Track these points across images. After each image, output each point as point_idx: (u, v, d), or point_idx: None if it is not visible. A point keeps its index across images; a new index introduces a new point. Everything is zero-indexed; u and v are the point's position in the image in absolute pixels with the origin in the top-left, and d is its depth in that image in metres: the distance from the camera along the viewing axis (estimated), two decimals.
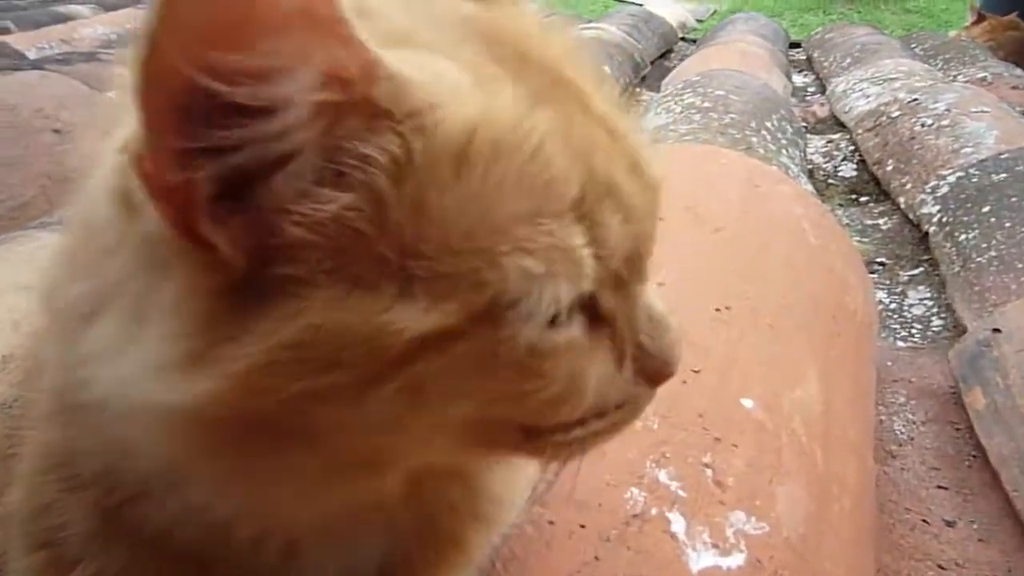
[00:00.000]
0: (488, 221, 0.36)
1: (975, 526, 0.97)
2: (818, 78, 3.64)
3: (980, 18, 3.95)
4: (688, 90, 2.30)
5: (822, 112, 3.15)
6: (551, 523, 0.57)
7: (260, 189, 0.34)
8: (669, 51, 4.23)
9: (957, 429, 1.13)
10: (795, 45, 4.47)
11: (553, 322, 0.38)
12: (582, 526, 0.57)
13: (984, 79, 2.99)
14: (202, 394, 0.35)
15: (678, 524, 0.60)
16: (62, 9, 3.75)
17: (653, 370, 0.45)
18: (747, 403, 0.75)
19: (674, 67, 3.50)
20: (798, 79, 3.77)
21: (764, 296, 0.93)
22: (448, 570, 0.52)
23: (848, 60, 3.36)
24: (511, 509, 0.54)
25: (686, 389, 0.73)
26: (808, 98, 3.49)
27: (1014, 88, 2.88)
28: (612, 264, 0.40)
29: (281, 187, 0.34)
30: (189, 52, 0.30)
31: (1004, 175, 1.58)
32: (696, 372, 0.76)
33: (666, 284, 0.88)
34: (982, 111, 2.04)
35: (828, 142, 2.70)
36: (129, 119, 0.33)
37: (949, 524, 0.98)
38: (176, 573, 0.48)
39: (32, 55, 2.80)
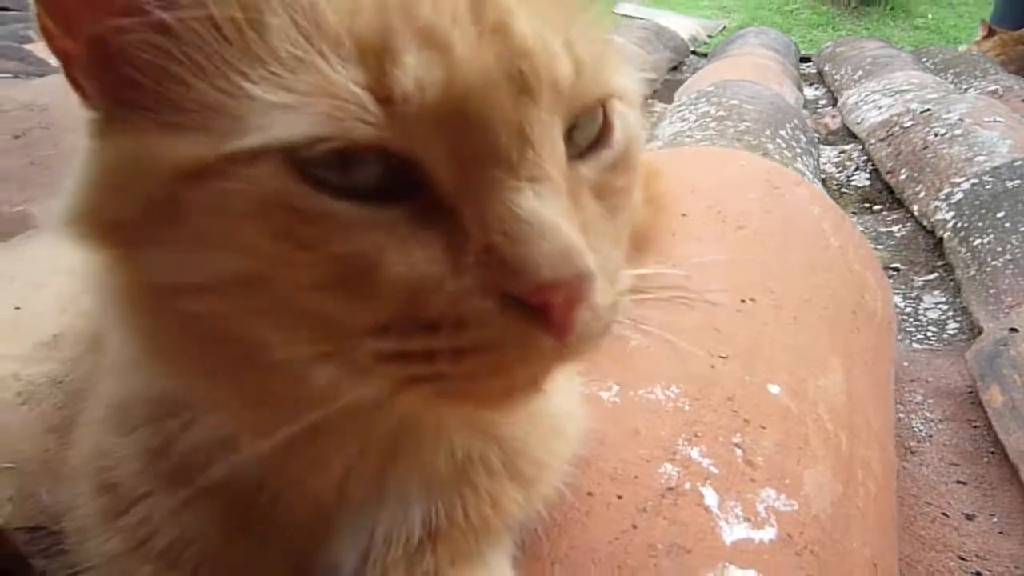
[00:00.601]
0: (252, 59, 0.35)
1: (995, 519, 0.98)
2: (829, 91, 3.67)
3: (991, 32, 3.97)
4: (702, 100, 2.33)
5: (834, 124, 3.17)
6: (590, 494, 0.59)
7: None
8: (680, 64, 4.27)
9: (975, 427, 1.15)
10: (806, 59, 4.51)
11: (325, 180, 0.35)
12: (619, 497, 0.59)
13: (995, 92, 3.01)
14: (67, 203, 0.40)
15: (711, 498, 0.61)
16: None
17: (517, 285, 0.35)
18: (774, 389, 0.77)
19: (685, 80, 3.54)
20: (809, 92, 3.79)
21: (786, 291, 0.95)
22: (488, 531, 0.54)
23: (859, 73, 3.39)
24: (553, 473, 0.55)
25: (715, 373, 0.75)
26: (820, 110, 3.51)
27: None
28: (418, 114, 0.35)
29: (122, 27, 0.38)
30: None
31: (1018, 181, 1.60)
32: (724, 358, 0.77)
33: (692, 277, 0.90)
34: (995, 120, 2.06)
35: (841, 152, 2.72)
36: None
37: (969, 518, 0.99)
38: (219, 515, 0.51)
39: (55, 62, 2.87)
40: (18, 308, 0.74)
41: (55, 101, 1.61)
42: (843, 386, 0.86)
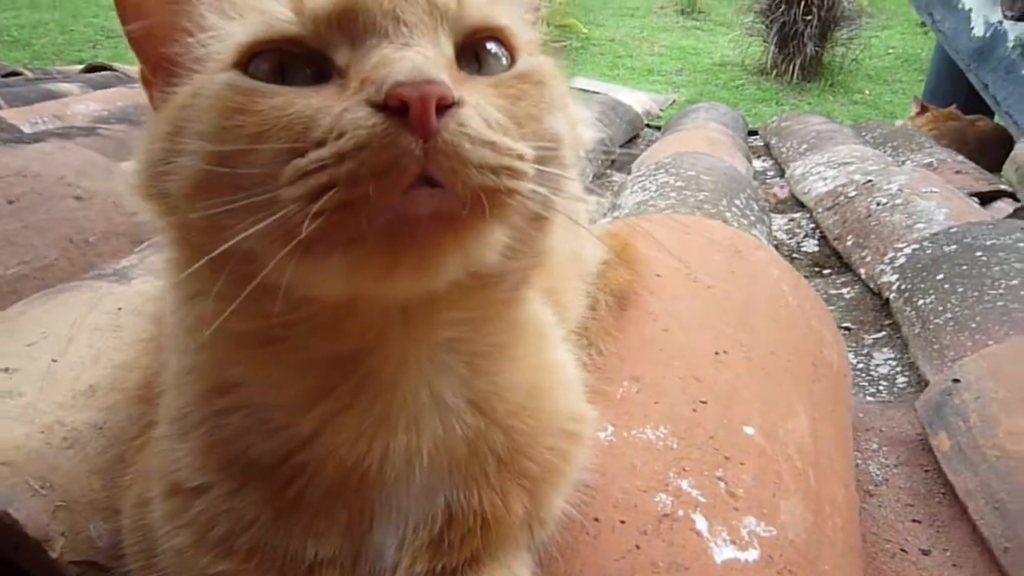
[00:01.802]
0: (224, 12, 0.52)
1: (948, 553, 1.07)
2: (776, 163, 3.87)
3: (923, 109, 4.26)
4: (661, 170, 2.47)
5: (782, 194, 3.35)
6: (596, 520, 0.66)
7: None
8: (636, 137, 4.47)
9: (926, 471, 1.24)
10: (753, 132, 4.76)
11: (247, 67, 0.49)
12: (622, 522, 0.66)
13: (930, 164, 3.23)
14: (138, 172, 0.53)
15: (701, 523, 0.69)
16: (52, 87, 3.87)
17: (378, 91, 0.43)
18: (749, 430, 0.85)
19: (641, 152, 3.71)
20: (758, 164, 4.00)
21: (754, 344, 1.04)
22: (500, 525, 0.60)
23: (804, 146, 3.60)
24: (561, 479, 0.63)
25: (697, 416, 0.83)
26: (768, 181, 3.71)
27: (957, 172, 3.12)
28: (317, 14, 0.48)
29: None
30: None
31: (955, 247, 1.74)
32: (704, 403, 0.86)
33: (669, 330, 0.99)
34: (931, 191, 2.24)
35: (790, 220, 2.89)
36: None
37: (925, 553, 1.07)
38: (268, 500, 0.57)
39: (27, 129, 2.91)
40: (55, 360, 0.79)
41: (46, 168, 1.67)
42: (808, 429, 0.95)
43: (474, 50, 0.53)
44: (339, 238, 0.44)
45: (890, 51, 9.75)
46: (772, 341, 1.08)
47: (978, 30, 3.48)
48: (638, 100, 5.07)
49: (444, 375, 0.57)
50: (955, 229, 1.85)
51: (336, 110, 0.44)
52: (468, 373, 0.58)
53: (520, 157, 0.47)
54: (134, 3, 0.54)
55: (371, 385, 0.55)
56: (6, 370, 0.76)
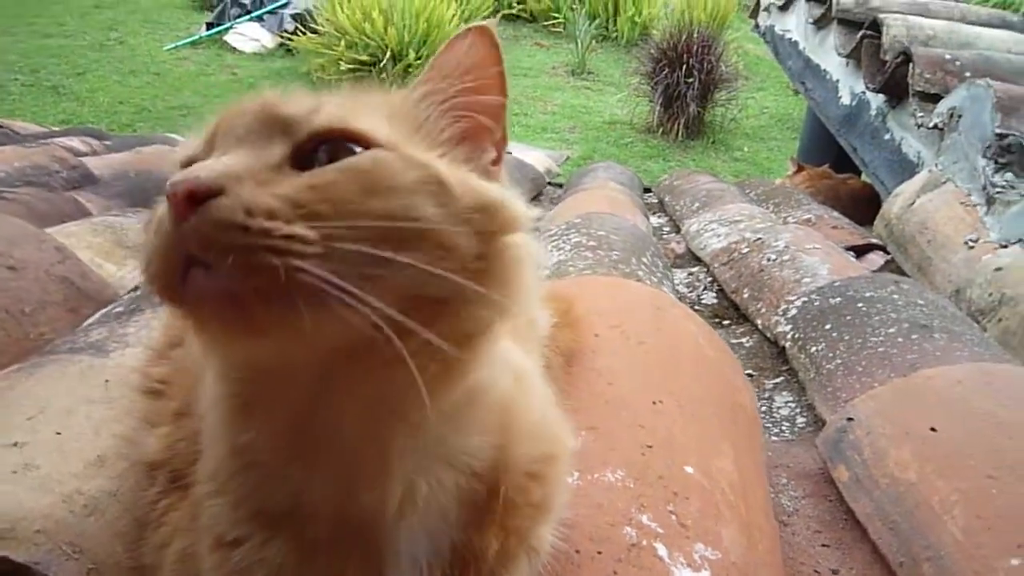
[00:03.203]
0: None
1: (854, 572, 1.22)
2: (671, 219, 4.14)
3: (800, 168, 4.65)
4: (573, 230, 2.63)
5: (680, 249, 3.59)
6: (577, 551, 0.77)
7: None
8: (539, 194, 4.68)
9: (830, 500, 1.41)
10: (647, 190, 5.06)
11: None
12: (599, 552, 0.77)
13: (809, 220, 3.54)
14: None
15: (662, 551, 0.81)
16: None
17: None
18: (689, 469, 0.98)
19: (546, 209, 3.90)
20: (655, 220, 4.25)
21: (682, 393, 1.18)
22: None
23: (697, 204, 3.88)
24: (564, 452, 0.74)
25: (647, 459, 0.96)
26: (665, 236, 3.95)
27: (834, 227, 3.43)
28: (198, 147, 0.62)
29: None
30: None
31: (839, 299, 1.96)
32: (649, 447, 0.99)
33: (614, 384, 1.12)
34: (814, 247, 2.49)
35: (689, 274, 3.11)
36: None
37: (835, 572, 1.22)
38: (292, 549, 0.64)
39: None
40: (59, 433, 0.84)
41: None
42: (734, 467, 1.09)
43: (319, 151, 0.60)
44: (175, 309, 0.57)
45: (764, 111, 10.49)
46: (696, 389, 1.22)
47: (845, 99, 3.87)
48: (538, 158, 5.30)
49: (402, 436, 0.62)
50: (838, 283, 2.08)
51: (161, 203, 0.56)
52: (428, 432, 0.63)
53: (289, 238, 0.52)
54: None
55: (335, 443, 0.62)
56: (15, 444, 0.80)
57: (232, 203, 0.53)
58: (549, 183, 4.98)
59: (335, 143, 0.60)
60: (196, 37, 11.64)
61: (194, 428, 0.75)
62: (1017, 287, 2.14)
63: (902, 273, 2.76)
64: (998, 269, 2.25)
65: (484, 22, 0.69)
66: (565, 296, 1.23)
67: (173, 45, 11.45)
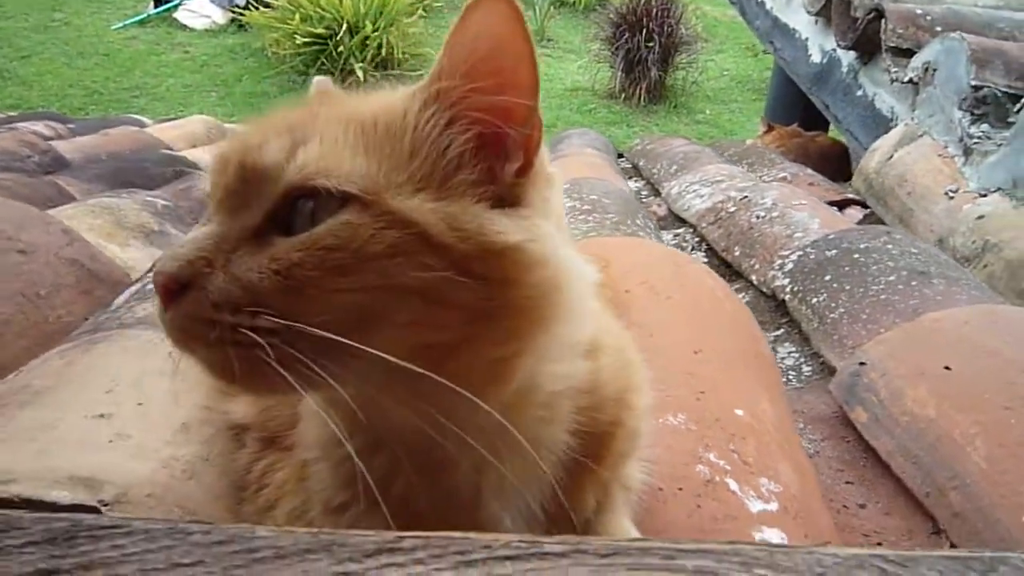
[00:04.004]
0: None
1: (879, 505, 1.29)
2: (649, 183, 4.18)
3: (770, 128, 4.72)
4: (564, 196, 2.67)
5: (661, 211, 3.64)
6: (660, 489, 0.81)
7: None
8: None
9: (847, 441, 1.47)
10: (619, 155, 5.09)
11: None
12: (680, 489, 0.82)
13: (785, 178, 3.61)
14: None
15: (734, 485, 0.86)
16: None
17: None
18: (739, 412, 1.03)
19: None
20: (631, 184, 4.31)
21: (716, 343, 1.23)
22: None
23: (674, 167, 3.92)
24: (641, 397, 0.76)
25: (702, 404, 1.00)
26: (645, 200, 4.01)
27: (811, 184, 3.50)
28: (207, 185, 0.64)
29: None
30: None
31: (835, 251, 2.03)
32: (703, 392, 1.03)
33: (655, 336, 1.16)
34: (801, 203, 2.55)
35: (675, 235, 3.15)
36: None
37: (862, 507, 1.29)
38: (396, 517, 0.65)
39: None
40: (140, 404, 0.85)
41: None
42: (772, 410, 1.14)
43: (303, 209, 0.58)
44: None
45: (725, 73, 10.57)
46: (727, 340, 1.27)
47: (815, 57, 3.93)
48: None
49: (470, 430, 0.60)
50: (832, 236, 2.14)
51: None
52: (494, 420, 0.58)
53: (254, 329, 0.54)
54: None
55: (404, 438, 0.64)
56: (102, 416, 0.81)
57: (199, 297, 0.56)
58: None
59: (295, 201, 0.58)
60: (144, 16, 11.32)
61: None
62: (999, 234, 2.22)
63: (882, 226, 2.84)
64: (980, 217, 2.33)
65: None
66: (598, 254, 1.26)
67: (121, 24, 11.13)
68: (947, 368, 1.36)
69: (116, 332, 1.04)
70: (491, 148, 0.61)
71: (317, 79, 0.79)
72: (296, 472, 0.73)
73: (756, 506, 0.83)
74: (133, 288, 1.30)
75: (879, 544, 1.19)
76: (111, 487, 0.70)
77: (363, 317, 0.55)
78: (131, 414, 0.83)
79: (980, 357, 1.37)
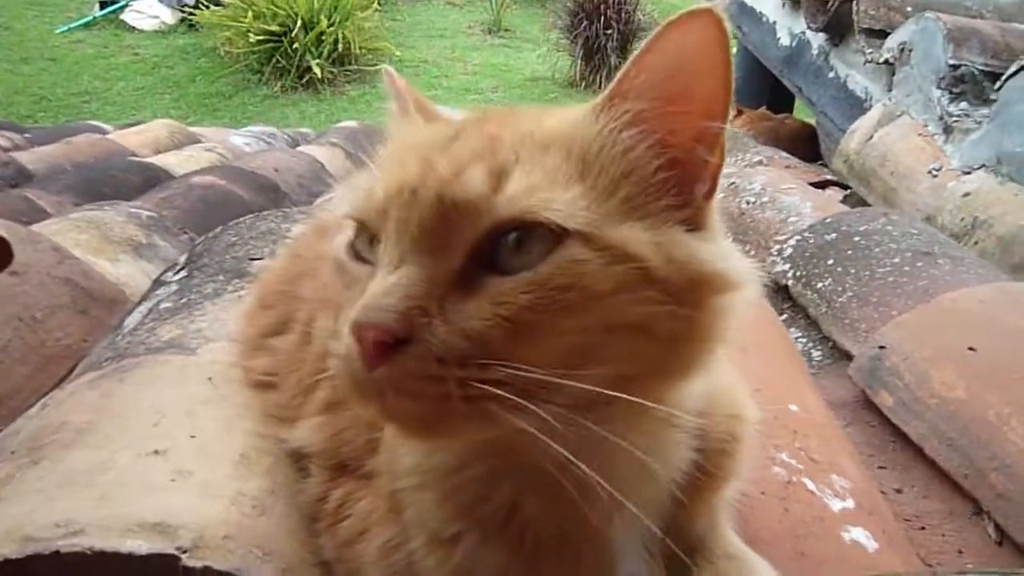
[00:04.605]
0: None
1: (916, 489, 1.29)
2: None
3: (740, 112, 4.74)
4: None
5: None
6: (745, 494, 0.79)
7: None
8: None
9: (872, 426, 1.48)
10: None
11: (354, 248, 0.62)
12: (763, 492, 0.80)
13: (760, 161, 3.63)
14: None
15: (811, 485, 0.85)
16: None
17: (351, 321, 0.53)
18: (793, 407, 1.02)
19: None
20: None
21: (756, 337, 1.22)
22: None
23: None
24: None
25: (760, 401, 0.99)
26: None
27: (787, 167, 3.53)
28: (371, 207, 0.58)
29: None
30: None
31: (834, 235, 2.03)
32: (758, 390, 1.01)
33: None
34: (790, 187, 2.56)
35: None
36: None
37: (898, 491, 1.29)
38: (518, 549, 0.64)
39: None
40: (193, 436, 0.81)
41: None
42: (816, 403, 1.14)
43: (507, 242, 0.54)
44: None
45: None
46: (762, 333, 1.26)
47: (784, 40, 3.96)
48: None
49: (619, 463, 0.60)
50: (829, 219, 2.15)
51: (348, 315, 0.55)
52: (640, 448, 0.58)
53: (482, 382, 0.51)
54: None
55: (545, 473, 0.59)
56: (156, 452, 0.77)
57: (423, 353, 0.51)
58: None
59: (506, 234, 0.54)
60: (90, 18, 11.00)
61: (360, 416, 0.74)
62: (988, 210, 2.26)
63: (865, 206, 2.87)
64: (966, 195, 2.36)
65: (709, 5, 0.61)
66: None
67: (66, 28, 10.80)
68: (971, 349, 1.37)
69: (145, 358, 0.99)
70: (684, 171, 0.59)
71: (385, 68, 0.75)
72: (386, 502, 0.70)
73: (836, 505, 0.83)
74: (143, 307, 1.25)
75: (922, 528, 1.19)
76: (186, 532, 0.66)
77: (581, 355, 0.53)
78: (186, 448, 0.79)
79: (1002, 335, 1.38)
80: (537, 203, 0.54)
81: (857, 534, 0.78)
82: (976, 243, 2.24)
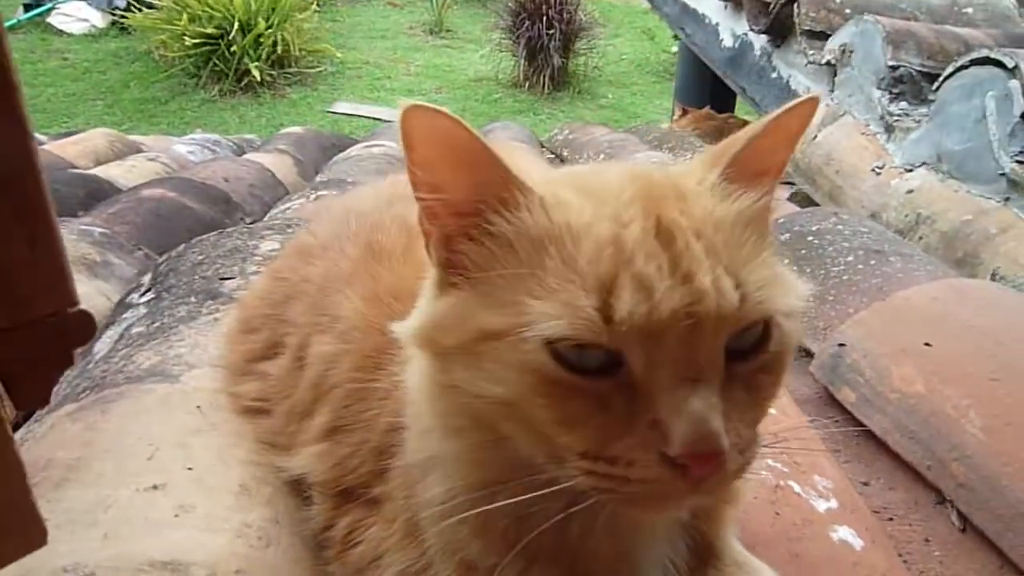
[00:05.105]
0: (539, 277, 0.60)
1: (882, 481, 1.35)
2: None
3: (684, 112, 4.84)
4: None
5: None
6: None
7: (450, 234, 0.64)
8: None
9: (836, 421, 1.53)
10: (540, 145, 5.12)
11: (566, 359, 0.57)
12: (755, 497, 0.83)
13: None
14: (411, 326, 0.66)
15: (797, 487, 0.88)
16: None
17: (668, 447, 0.56)
18: (772, 411, 1.05)
19: None
20: None
21: None
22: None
23: (602, 155, 3.97)
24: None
25: None
26: None
27: None
28: (628, 331, 0.56)
29: (455, 233, 0.64)
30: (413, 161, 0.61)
31: (788, 235, 2.09)
32: None
33: None
34: None
35: None
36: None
37: (865, 484, 1.34)
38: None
39: None
40: (190, 468, 0.80)
41: None
42: (791, 405, 1.18)
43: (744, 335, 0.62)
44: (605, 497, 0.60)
45: (623, 57, 10.76)
46: None
47: (727, 41, 4.05)
48: None
49: None
50: (782, 219, 2.21)
51: (628, 441, 0.57)
52: None
53: (751, 457, 0.63)
54: (432, 182, 0.61)
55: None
56: (155, 487, 0.76)
57: (735, 455, 0.59)
58: None
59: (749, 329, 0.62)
60: (14, 21, 10.60)
61: (366, 442, 0.75)
62: (931, 206, 2.35)
63: (812, 203, 2.96)
64: (909, 192, 2.46)
65: (814, 95, 0.68)
66: None
67: None
68: (927, 344, 1.43)
69: (127, 388, 0.97)
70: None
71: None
72: (402, 528, 0.71)
73: (822, 505, 0.86)
74: (112, 332, 1.22)
75: (891, 519, 1.24)
76: (198, 569, 0.66)
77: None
78: (184, 481, 0.78)
79: (956, 331, 1.45)
80: (773, 304, 0.61)
81: (844, 533, 0.82)
82: (921, 238, 2.33)
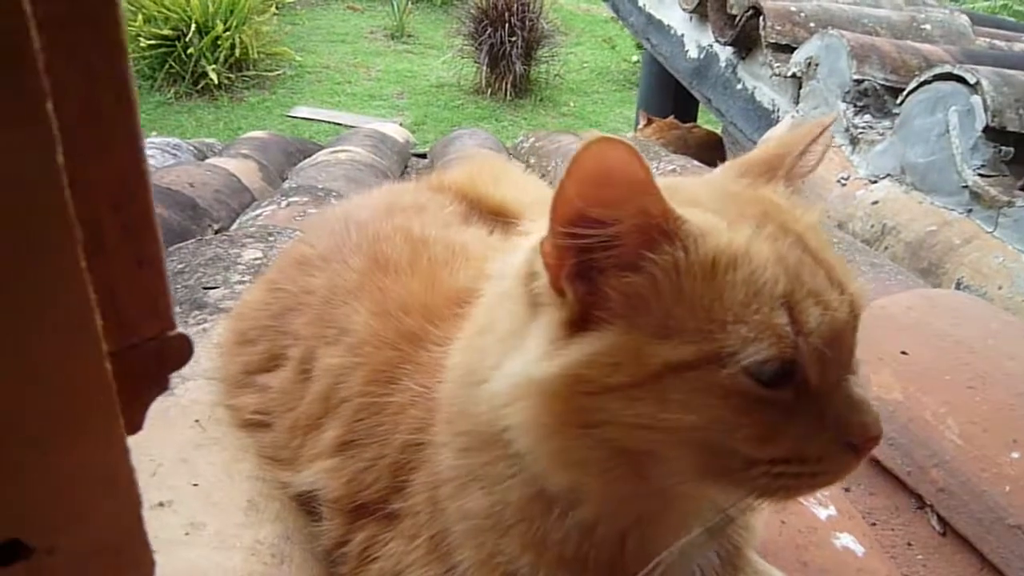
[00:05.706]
0: (721, 303, 0.62)
1: (863, 487, 1.38)
2: (547, 180, 4.24)
3: (649, 121, 4.89)
4: None
5: None
6: None
7: (596, 269, 0.63)
8: (406, 167, 4.63)
9: None
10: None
11: (759, 376, 0.60)
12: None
13: (675, 170, 3.76)
14: (549, 372, 0.63)
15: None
16: None
17: (853, 437, 0.63)
18: None
19: (412, 179, 3.88)
20: None
21: None
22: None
23: None
24: None
25: None
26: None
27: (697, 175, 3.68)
28: (812, 341, 0.61)
29: (607, 267, 0.63)
30: (580, 194, 0.59)
31: None
32: None
33: None
34: None
35: None
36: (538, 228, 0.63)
37: (846, 490, 1.37)
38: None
39: None
40: (195, 484, 0.79)
41: None
42: None
43: None
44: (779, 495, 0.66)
45: (585, 65, 10.83)
46: None
47: (692, 52, 4.10)
48: (395, 130, 5.23)
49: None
50: None
51: (823, 442, 0.63)
52: None
53: None
54: (593, 217, 0.60)
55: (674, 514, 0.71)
56: (162, 504, 0.75)
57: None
58: (413, 154, 4.93)
59: None
60: None
61: (382, 457, 0.74)
62: (896, 217, 2.42)
63: None
64: (875, 203, 2.52)
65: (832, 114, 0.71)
66: None
67: None
68: (904, 353, 1.47)
69: None
70: None
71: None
72: (426, 543, 0.70)
73: (823, 513, 0.88)
74: None
75: (874, 524, 1.27)
76: None
77: None
78: (191, 498, 0.77)
79: (932, 340, 1.49)
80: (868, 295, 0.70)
81: (846, 540, 0.84)
82: (886, 248, 2.39)
